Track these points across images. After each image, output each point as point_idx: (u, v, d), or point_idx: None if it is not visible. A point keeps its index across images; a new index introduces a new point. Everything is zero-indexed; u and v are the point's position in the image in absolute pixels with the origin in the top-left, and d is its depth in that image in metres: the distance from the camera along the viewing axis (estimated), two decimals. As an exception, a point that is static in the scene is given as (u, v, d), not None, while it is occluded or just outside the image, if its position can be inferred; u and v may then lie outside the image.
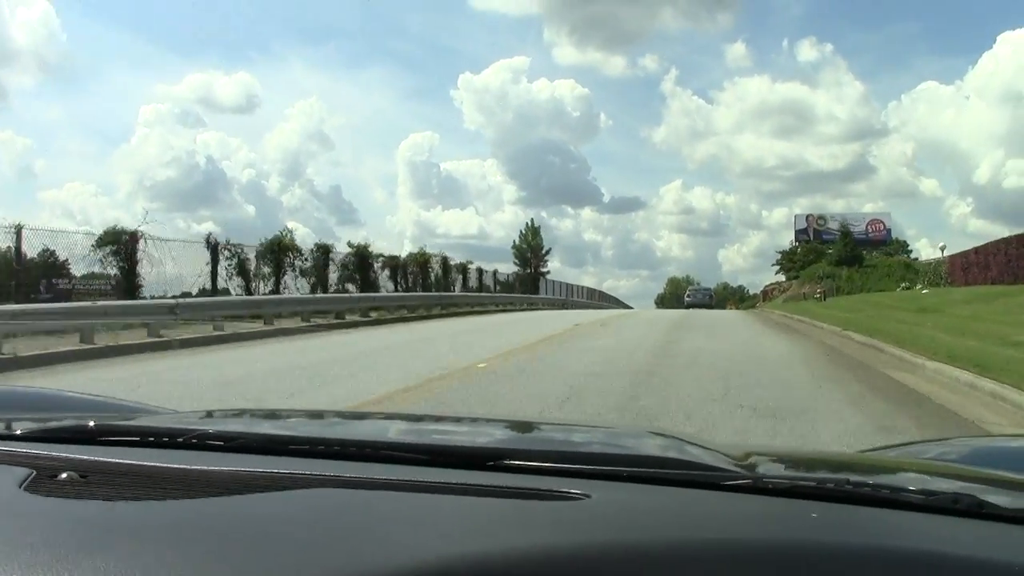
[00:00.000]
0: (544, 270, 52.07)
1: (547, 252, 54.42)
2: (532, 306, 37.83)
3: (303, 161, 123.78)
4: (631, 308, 52.47)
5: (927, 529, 0.88)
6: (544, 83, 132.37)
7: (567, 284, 55.99)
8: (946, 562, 0.76)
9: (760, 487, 0.98)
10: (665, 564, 0.73)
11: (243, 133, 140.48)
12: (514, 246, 55.48)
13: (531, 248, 55.48)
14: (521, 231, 54.77)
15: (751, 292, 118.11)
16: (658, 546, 0.77)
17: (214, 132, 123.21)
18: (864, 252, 57.96)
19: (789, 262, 67.97)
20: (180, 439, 1.14)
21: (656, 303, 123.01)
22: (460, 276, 35.85)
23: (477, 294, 34.47)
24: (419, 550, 0.74)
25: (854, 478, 1.03)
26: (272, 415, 1.78)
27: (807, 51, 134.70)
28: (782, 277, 68.40)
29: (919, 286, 41.65)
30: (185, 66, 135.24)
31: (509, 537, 0.80)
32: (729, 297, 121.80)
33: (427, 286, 31.48)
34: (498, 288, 40.48)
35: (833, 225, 62.24)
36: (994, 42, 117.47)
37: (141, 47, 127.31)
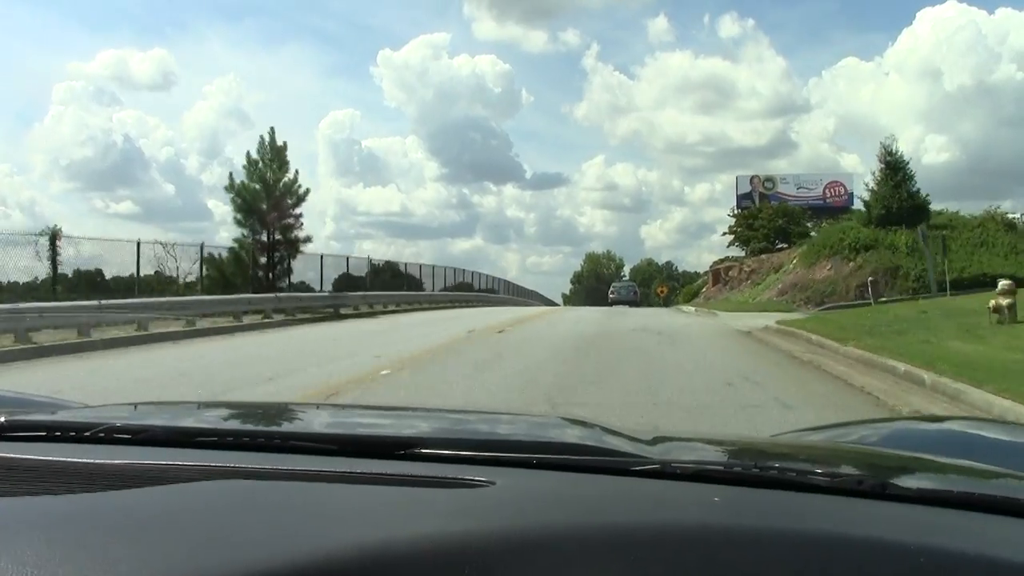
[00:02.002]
0: (299, 234, 25.43)
1: (302, 194, 25.58)
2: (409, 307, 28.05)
3: (222, 139, 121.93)
4: (532, 306, 41.25)
5: (831, 510, 0.89)
6: (465, 59, 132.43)
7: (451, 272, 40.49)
8: (848, 542, 0.77)
9: (667, 472, 0.99)
10: (565, 548, 0.74)
11: (160, 111, 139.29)
12: (232, 185, 24.77)
13: (267, 187, 24.93)
14: (249, 153, 25.34)
15: (682, 270, 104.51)
16: (559, 530, 0.78)
17: (131, 110, 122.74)
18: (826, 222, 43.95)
19: (748, 229, 47.98)
20: (87, 433, 1.13)
21: (572, 282, 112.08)
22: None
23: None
24: (320, 539, 0.75)
25: (762, 462, 1.07)
26: (184, 408, 1.76)
27: (729, 26, 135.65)
28: (738, 251, 48.92)
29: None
30: (97, 43, 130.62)
31: (410, 525, 0.80)
32: (656, 277, 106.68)
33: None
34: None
35: (784, 188, 50.62)
36: (913, 19, 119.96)
37: (50, 23, 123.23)
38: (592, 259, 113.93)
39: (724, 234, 53.45)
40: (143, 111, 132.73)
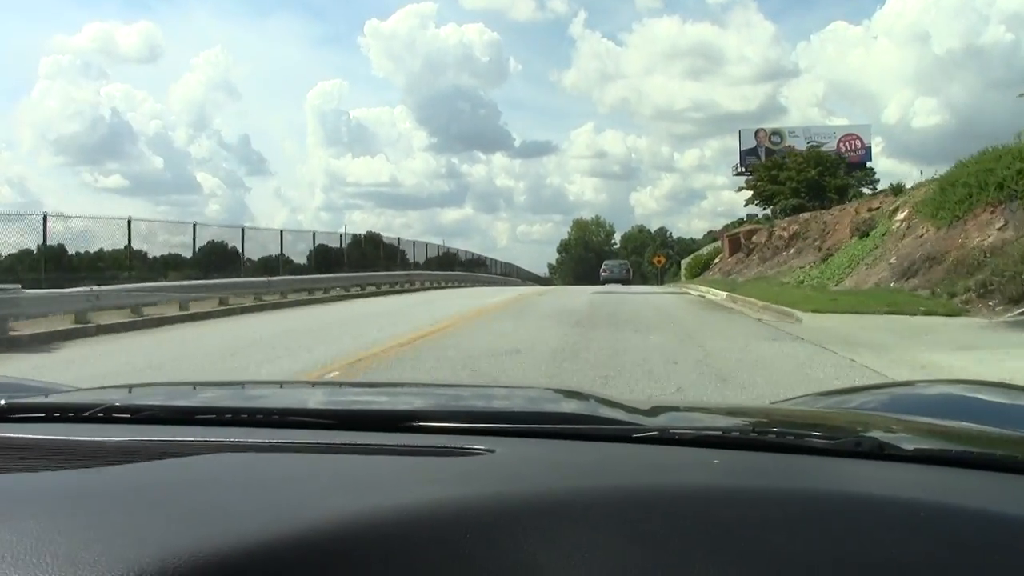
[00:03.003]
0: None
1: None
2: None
3: (210, 112, 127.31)
4: (512, 286, 37.11)
5: (829, 471, 0.89)
6: (452, 28, 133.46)
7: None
8: (847, 500, 0.78)
9: (666, 438, 0.98)
10: (566, 511, 0.74)
11: (148, 85, 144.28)
12: None
13: None
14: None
15: (677, 236, 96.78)
16: (559, 494, 0.78)
17: (118, 84, 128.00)
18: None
19: (771, 183, 37.96)
20: (87, 413, 1.13)
21: (558, 251, 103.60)
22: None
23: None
24: (322, 508, 0.74)
25: (760, 427, 1.08)
26: (184, 387, 1.76)
27: None
28: (755, 210, 38.90)
29: None
30: (82, 15, 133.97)
31: (411, 492, 0.79)
32: (649, 245, 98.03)
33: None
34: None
35: (794, 143, 44.41)
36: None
37: None
38: (580, 226, 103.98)
39: (740, 189, 43.49)
40: (130, 85, 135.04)
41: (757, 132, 46.54)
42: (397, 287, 26.11)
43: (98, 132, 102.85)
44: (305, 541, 0.67)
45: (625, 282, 37.40)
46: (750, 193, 41.72)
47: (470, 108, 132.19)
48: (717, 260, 37.62)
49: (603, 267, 43.87)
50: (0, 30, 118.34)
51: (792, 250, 25.56)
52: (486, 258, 51.89)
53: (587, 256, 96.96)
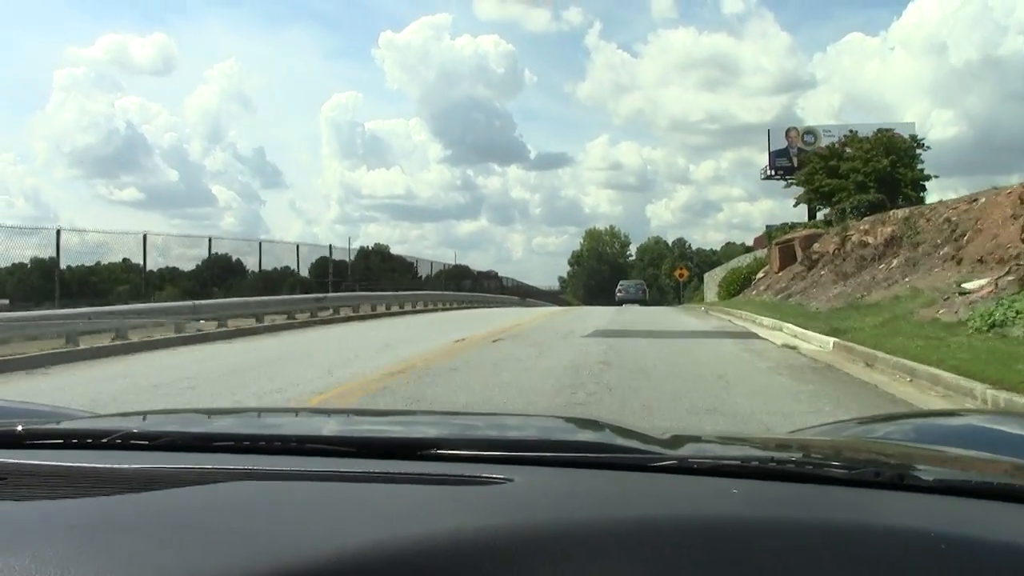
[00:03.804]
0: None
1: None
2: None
3: (225, 124, 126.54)
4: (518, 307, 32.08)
5: (849, 501, 0.88)
6: (467, 39, 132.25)
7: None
8: (867, 531, 0.76)
9: (685, 467, 0.98)
10: (585, 541, 0.74)
11: (162, 97, 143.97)
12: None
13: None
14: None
15: (696, 247, 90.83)
16: (578, 523, 0.78)
17: (133, 96, 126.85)
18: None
19: (829, 176, 30.48)
20: (105, 440, 1.13)
21: (570, 263, 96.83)
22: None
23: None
24: (341, 536, 0.75)
25: (779, 456, 1.07)
26: (201, 415, 1.76)
27: (733, 2, 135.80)
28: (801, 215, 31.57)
29: None
30: (96, 27, 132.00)
31: (429, 521, 0.80)
32: (667, 256, 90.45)
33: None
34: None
35: (829, 143, 37.71)
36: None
37: (48, 7, 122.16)
38: (593, 236, 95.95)
39: (787, 185, 35.57)
40: (145, 97, 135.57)
41: (788, 131, 42.08)
42: (393, 308, 23.26)
43: (113, 144, 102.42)
44: (325, 570, 0.67)
45: (642, 303, 36.94)
46: (800, 191, 33.54)
47: (485, 120, 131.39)
48: (761, 275, 29.33)
49: (619, 287, 44.08)
50: (14, 43, 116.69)
51: (894, 261, 17.27)
52: (487, 273, 49.03)
53: (600, 269, 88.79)
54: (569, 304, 61.42)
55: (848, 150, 30.12)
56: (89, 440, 1.14)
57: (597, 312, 23.14)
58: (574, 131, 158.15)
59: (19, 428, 1.19)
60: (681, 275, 51.96)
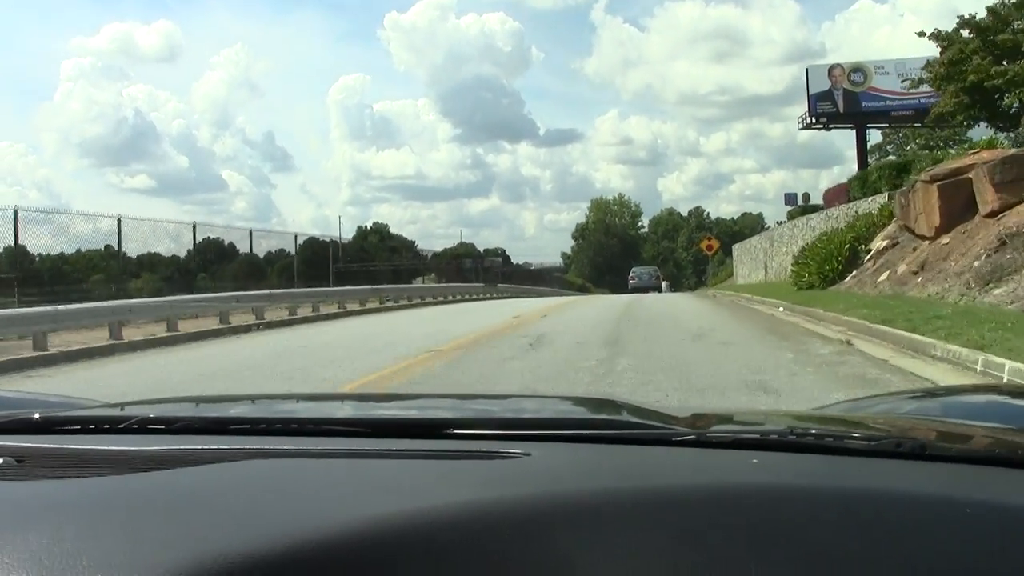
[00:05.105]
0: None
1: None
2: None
3: (233, 109, 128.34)
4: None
5: (870, 471, 0.89)
6: (473, 18, 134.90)
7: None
8: (889, 498, 0.77)
9: (704, 441, 0.99)
10: (602, 512, 0.74)
11: (169, 84, 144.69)
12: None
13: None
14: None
15: (716, 217, 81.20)
16: (596, 495, 0.78)
17: (140, 85, 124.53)
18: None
19: (995, 62, 19.52)
20: (121, 425, 1.14)
21: (574, 237, 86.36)
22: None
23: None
24: (360, 510, 0.75)
25: (799, 429, 1.06)
26: (217, 400, 1.79)
27: None
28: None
29: None
30: (100, 16, 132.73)
31: (447, 494, 0.80)
32: (683, 228, 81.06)
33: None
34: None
35: (883, 83, 33.92)
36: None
37: None
38: (599, 207, 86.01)
39: (920, 83, 25.89)
40: (152, 85, 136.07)
41: (832, 69, 36.18)
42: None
43: (122, 133, 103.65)
44: (338, 544, 0.67)
45: (656, 290, 36.06)
46: (945, 93, 22.16)
47: (493, 98, 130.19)
48: (883, 242, 18.47)
49: (631, 274, 43.32)
50: (20, 34, 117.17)
51: None
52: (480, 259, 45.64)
53: (608, 243, 78.58)
54: (569, 288, 51.78)
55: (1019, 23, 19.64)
56: (106, 426, 1.15)
57: (593, 317, 13.68)
58: (583, 107, 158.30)
59: (37, 416, 1.20)
60: (710, 247, 42.45)
